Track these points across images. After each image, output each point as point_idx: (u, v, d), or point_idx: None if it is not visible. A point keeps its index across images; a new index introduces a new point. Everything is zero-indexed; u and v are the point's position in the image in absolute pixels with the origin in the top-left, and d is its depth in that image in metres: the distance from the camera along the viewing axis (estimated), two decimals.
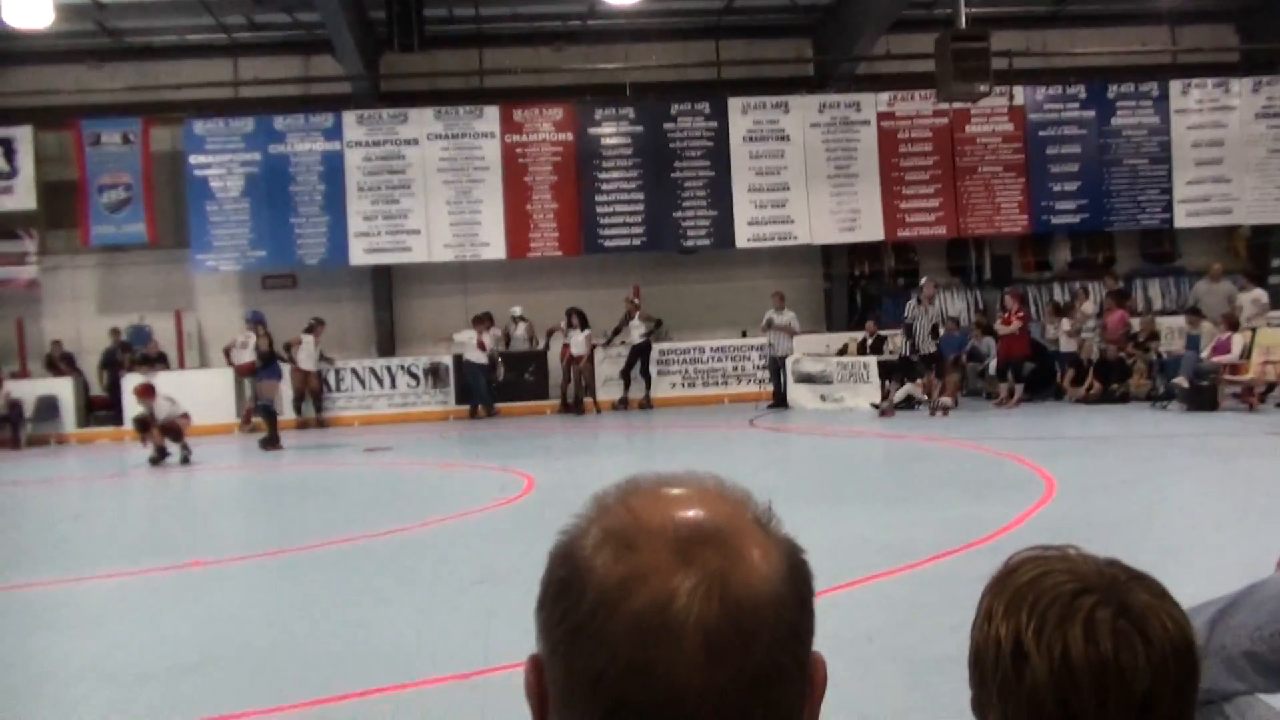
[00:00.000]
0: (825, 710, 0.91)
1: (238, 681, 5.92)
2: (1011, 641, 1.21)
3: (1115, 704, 1.17)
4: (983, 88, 18.50)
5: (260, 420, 18.80)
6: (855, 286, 24.30)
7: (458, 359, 21.70)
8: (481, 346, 21.10)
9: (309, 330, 21.32)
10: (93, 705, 5.83)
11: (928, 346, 18.22)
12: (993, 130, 23.14)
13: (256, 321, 19.25)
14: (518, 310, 22.37)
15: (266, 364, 18.88)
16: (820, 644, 0.90)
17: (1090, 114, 23.24)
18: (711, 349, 22.52)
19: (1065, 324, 19.81)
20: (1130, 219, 23.37)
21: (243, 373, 20.43)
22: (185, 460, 16.50)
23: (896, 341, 20.24)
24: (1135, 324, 20.09)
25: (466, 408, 21.58)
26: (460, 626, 6.69)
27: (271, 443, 17.74)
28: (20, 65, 22.49)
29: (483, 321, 21.35)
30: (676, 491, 0.91)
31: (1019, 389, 19.00)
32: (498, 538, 9.57)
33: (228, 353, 20.88)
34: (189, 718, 5.38)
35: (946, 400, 18.26)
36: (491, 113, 22.36)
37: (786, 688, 0.85)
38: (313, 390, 21.45)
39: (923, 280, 19.50)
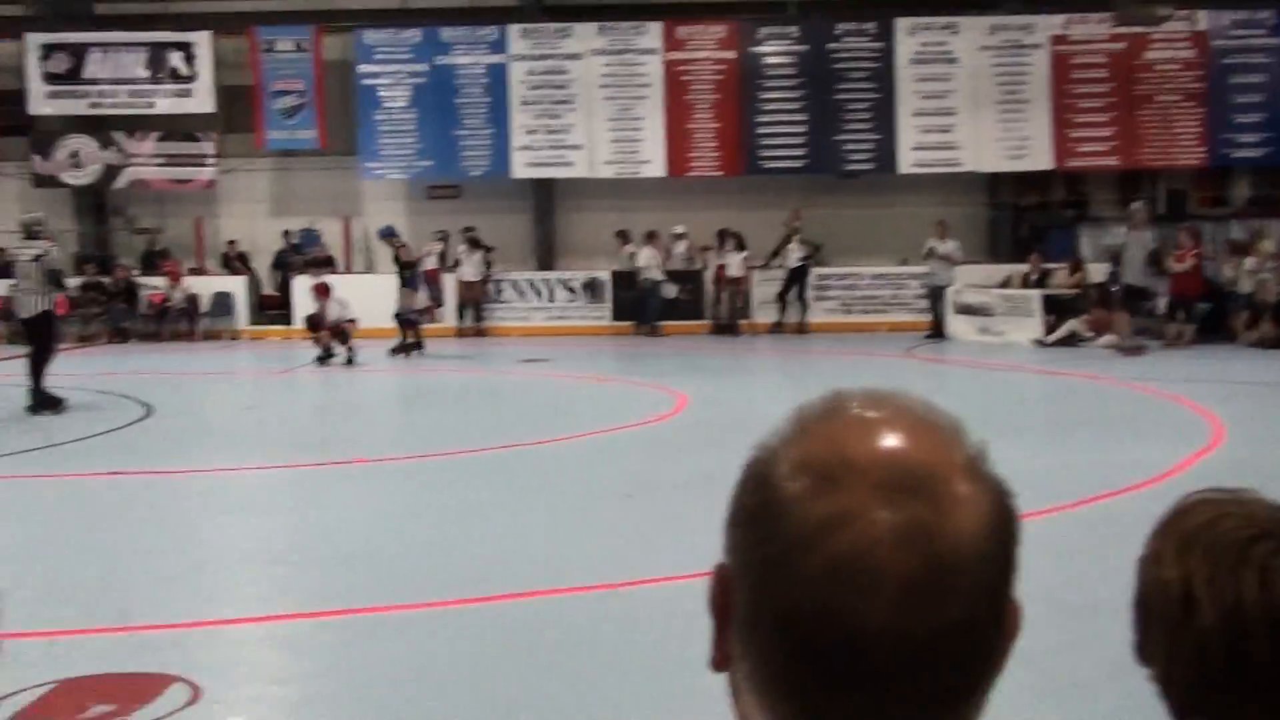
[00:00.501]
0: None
1: (394, 575, 6.18)
2: (1181, 586, 1.19)
3: None
4: (1164, 11, 17.72)
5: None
6: (1021, 217, 23.68)
7: (620, 275, 21.88)
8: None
9: (475, 244, 21.69)
10: (260, 586, 6.19)
11: (1137, 278, 16.96)
12: (1172, 56, 22.11)
13: (389, 235, 19.35)
14: (680, 228, 22.29)
15: (408, 275, 19.11)
16: None
17: (1278, 41, 22.05)
18: (870, 275, 22.22)
19: (1248, 263, 18.96)
20: None
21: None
22: (350, 362, 17.05)
23: (1061, 276, 19.73)
24: None
25: (626, 324, 21.71)
26: (609, 537, 6.83)
27: (404, 349, 18.21)
28: None
29: (656, 238, 21.45)
30: (883, 418, 0.85)
31: (1190, 329, 18.35)
32: (649, 453, 9.70)
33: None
34: (349, 604, 5.65)
35: (1140, 340, 17.11)
36: (654, 29, 22.24)
37: (980, 641, 0.82)
38: (475, 300, 21.84)
39: (1134, 204, 18.00)
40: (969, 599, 0.81)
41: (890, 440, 0.83)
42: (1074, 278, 19.57)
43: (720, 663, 0.88)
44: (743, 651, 0.85)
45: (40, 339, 12.64)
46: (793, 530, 0.81)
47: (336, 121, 22.81)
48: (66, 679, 4.64)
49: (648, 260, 21.24)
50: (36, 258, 12.72)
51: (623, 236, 22.03)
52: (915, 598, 0.79)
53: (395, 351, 18.33)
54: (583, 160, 22.27)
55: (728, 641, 0.86)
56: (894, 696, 0.80)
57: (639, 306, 21.57)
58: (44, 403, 12.47)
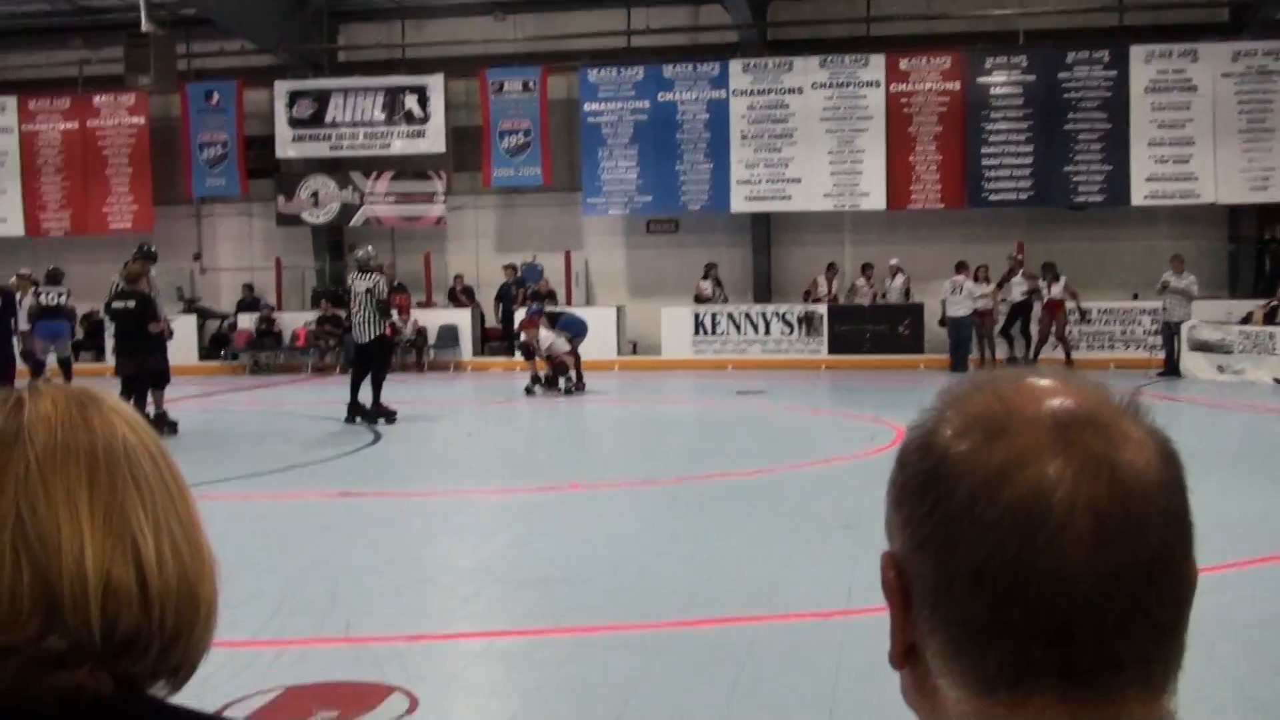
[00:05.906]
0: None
1: (605, 596, 6.24)
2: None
3: None
4: None
5: None
6: (1264, 251, 22.47)
7: (836, 309, 21.78)
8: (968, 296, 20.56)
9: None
10: (476, 604, 6.33)
11: None
12: None
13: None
14: (895, 261, 22.06)
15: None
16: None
17: None
18: (1099, 311, 21.41)
19: None
20: None
21: None
22: (569, 391, 17.36)
23: None
24: None
25: (842, 357, 21.52)
26: (822, 567, 6.74)
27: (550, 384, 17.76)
28: (434, 18, 24.17)
29: (965, 269, 20.75)
30: (1035, 381, 0.87)
31: None
32: (866, 485, 9.52)
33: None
34: (563, 623, 5.72)
35: None
36: (877, 61, 22.05)
37: (1178, 575, 0.81)
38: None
39: None
40: (1161, 525, 0.80)
41: (1048, 393, 0.85)
42: None
43: (901, 655, 0.87)
44: (932, 626, 0.83)
45: (376, 361, 14.35)
46: (972, 483, 0.81)
47: (560, 159, 23.38)
48: (293, 686, 4.82)
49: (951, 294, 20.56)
50: (368, 289, 14.22)
51: (831, 269, 22.22)
52: (1110, 530, 0.78)
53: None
54: (801, 194, 22.20)
55: (910, 626, 0.86)
56: (1104, 637, 0.78)
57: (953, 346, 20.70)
58: (379, 414, 14.16)
